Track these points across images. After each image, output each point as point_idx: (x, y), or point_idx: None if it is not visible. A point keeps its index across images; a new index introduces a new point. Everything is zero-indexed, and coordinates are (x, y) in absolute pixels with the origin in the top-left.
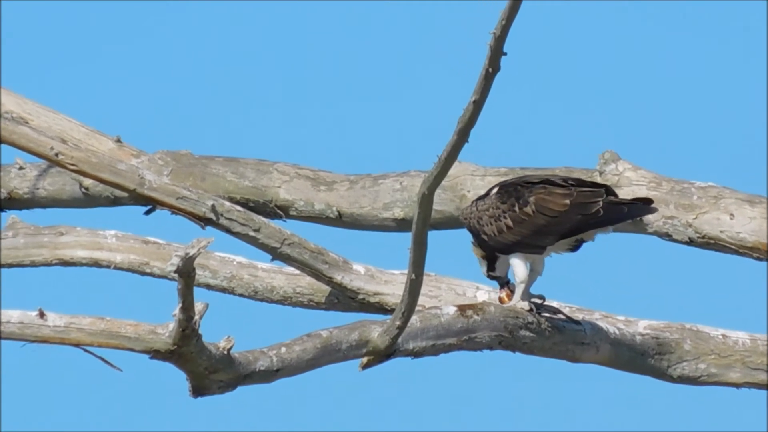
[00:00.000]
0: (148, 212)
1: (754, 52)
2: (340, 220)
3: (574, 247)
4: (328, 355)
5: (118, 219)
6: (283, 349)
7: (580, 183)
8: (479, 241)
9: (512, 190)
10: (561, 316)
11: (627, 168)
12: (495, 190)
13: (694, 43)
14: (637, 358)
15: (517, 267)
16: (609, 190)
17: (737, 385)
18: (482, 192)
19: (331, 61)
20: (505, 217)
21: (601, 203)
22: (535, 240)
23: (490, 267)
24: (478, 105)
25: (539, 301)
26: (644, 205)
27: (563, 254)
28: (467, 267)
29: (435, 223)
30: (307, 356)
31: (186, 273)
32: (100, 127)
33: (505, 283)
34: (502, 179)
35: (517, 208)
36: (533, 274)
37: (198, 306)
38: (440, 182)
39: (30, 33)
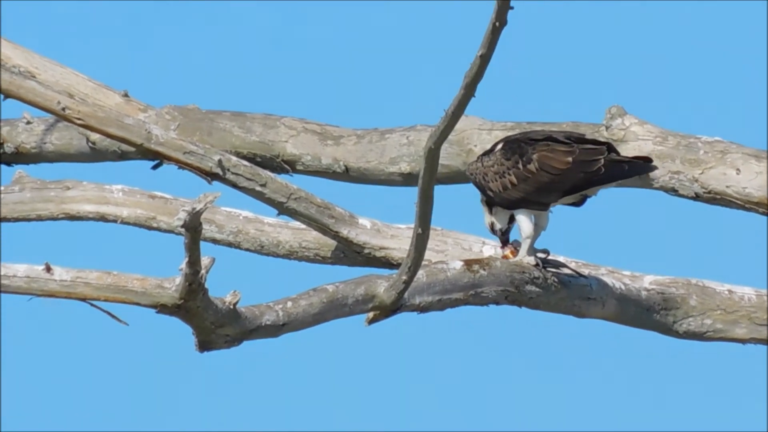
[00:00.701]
0: (155, 167)
1: (761, 5)
2: (346, 175)
3: (579, 202)
4: (334, 309)
5: (125, 174)
6: (289, 304)
7: (583, 140)
8: (486, 196)
9: (516, 147)
10: (567, 270)
11: (633, 123)
12: (500, 146)
13: None
14: (643, 313)
15: (523, 223)
16: (611, 147)
17: (743, 341)
18: (488, 146)
19: (339, 16)
20: (509, 174)
21: (602, 161)
22: (538, 197)
23: (496, 220)
24: (484, 59)
25: (544, 255)
26: (644, 163)
27: (569, 207)
28: (474, 222)
29: (441, 177)
30: (313, 311)
31: (192, 228)
32: (107, 82)
33: (506, 240)
34: (509, 134)
35: (521, 165)
36: (537, 229)
37: (204, 260)
38: (447, 137)
39: None
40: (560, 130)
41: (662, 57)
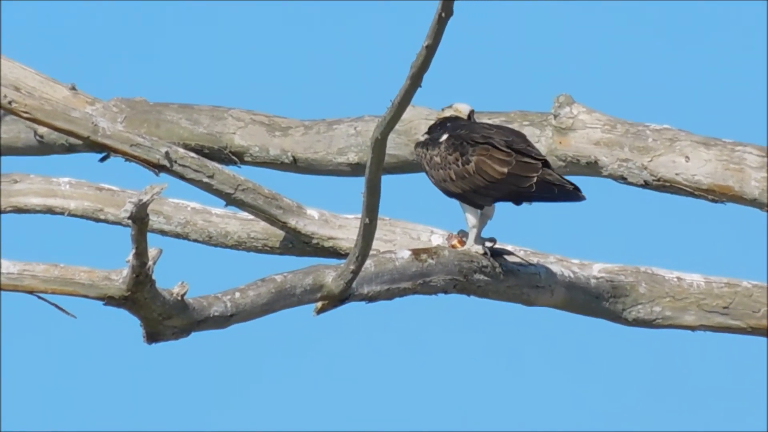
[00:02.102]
0: (102, 159)
1: None
2: (294, 166)
3: (516, 203)
4: (283, 299)
5: (72, 166)
6: (237, 294)
7: (522, 152)
8: (429, 178)
9: (459, 144)
10: (515, 259)
11: (581, 111)
12: (444, 138)
13: None
14: (592, 301)
15: (469, 213)
16: (546, 164)
17: (692, 328)
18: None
19: (285, 7)
20: (449, 168)
21: (535, 179)
22: (473, 197)
23: None
24: (431, 49)
25: (491, 244)
26: (573, 191)
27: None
28: (422, 211)
29: (389, 167)
30: (262, 301)
31: (139, 219)
32: (54, 75)
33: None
34: None
35: (460, 164)
36: (484, 218)
37: (152, 252)
38: (394, 127)
39: None
40: (503, 126)
41: (610, 45)
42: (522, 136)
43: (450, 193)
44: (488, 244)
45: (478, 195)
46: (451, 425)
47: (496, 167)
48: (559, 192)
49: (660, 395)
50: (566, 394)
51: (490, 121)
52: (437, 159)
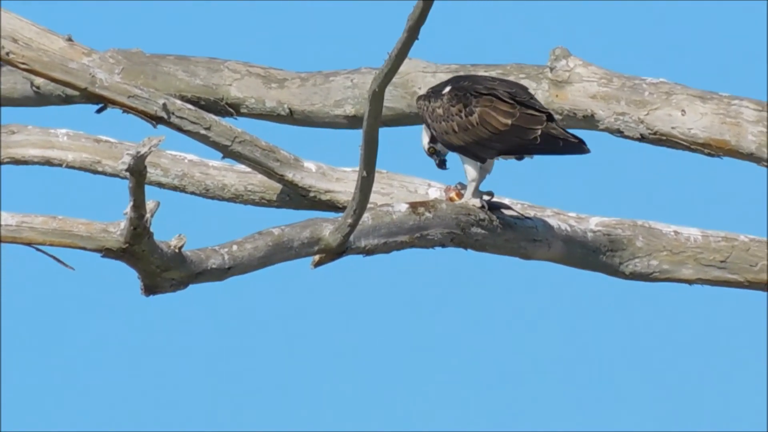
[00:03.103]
0: (99, 111)
1: None
2: (291, 118)
3: (519, 157)
4: (280, 252)
5: (69, 118)
6: (235, 247)
7: (526, 104)
8: (430, 130)
9: (462, 95)
10: (512, 212)
11: (578, 64)
12: (447, 90)
13: None
14: (589, 254)
15: (468, 165)
16: (550, 117)
17: (689, 282)
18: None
19: None
20: (452, 120)
21: (539, 131)
22: (476, 149)
23: (433, 140)
24: (427, 2)
25: (488, 197)
26: (578, 144)
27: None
28: (419, 164)
29: (386, 120)
30: (259, 254)
31: (137, 171)
32: (51, 26)
33: (442, 160)
34: (453, 75)
35: (463, 115)
36: (483, 172)
37: (149, 204)
38: (391, 79)
39: None
40: (506, 78)
41: None
42: (525, 89)
43: (452, 146)
44: (486, 197)
45: (481, 147)
46: (445, 383)
47: (500, 118)
48: (564, 145)
49: (657, 349)
50: (564, 348)
51: (486, 74)
52: (440, 111)
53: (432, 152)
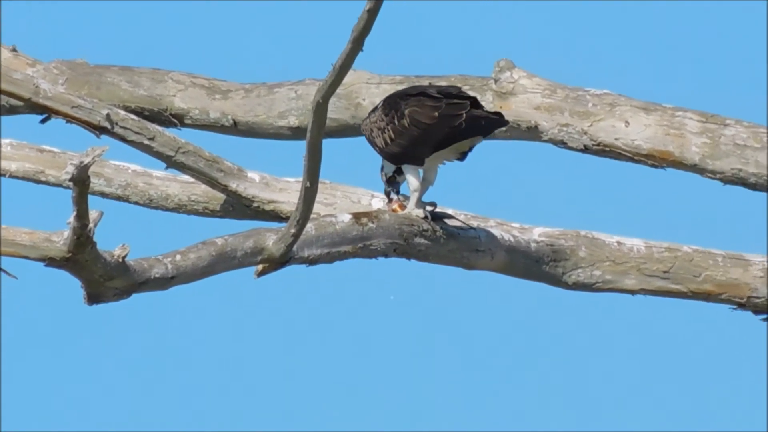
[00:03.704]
0: (43, 121)
1: None
2: (235, 129)
3: (461, 156)
4: (223, 262)
5: (13, 128)
6: (178, 257)
7: (452, 95)
8: (377, 152)
9: (393, 103)
10: (456, 222)
11: (522, 76)
12: (380, 103)
13: None
14: (532, 265)
15: (410, 176)
16: (475, 103)
17: (632, 292)
18: (377, 101)
19: None
20: (388, 130)
21: (464, 116)
22: (412, 151)
23: (397, 172)
24: (372, 13)
25: (431, 208)
26: (499, 118)
27: (453, 162)
28: (363, 175)
29: (330, 131)
30: (202, 263)
31: (81, 181)
32: None
33: (390, 192)
34: (397, 87)
35: (396, 120)
36: (425, 183)
37: (92, 214)
38: (335, 90)
39: None
40: (447, 84)
41: (551, 9)
42: (458, 89)
43: (393, 157)
44: (429, 208)
45: (417, 147)
46: (386, 390)
47: (428, 113)
48: (486, 122)
49: (600, 359)
50: (505, 359)
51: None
52: (377, 125)
53: (391, 181)
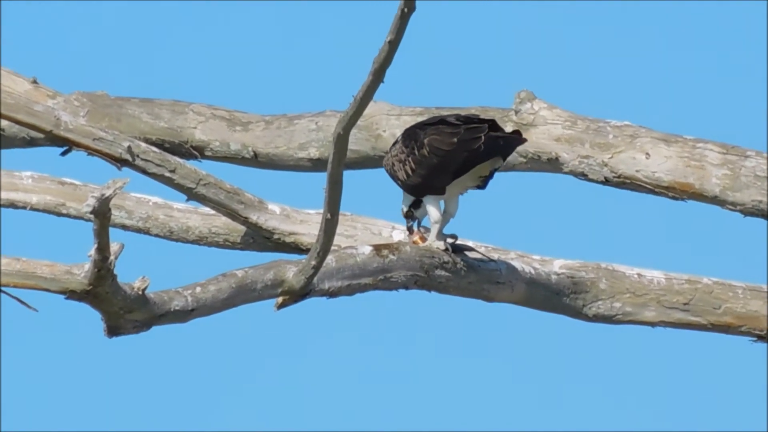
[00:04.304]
0: (64, 153)
1: None
2: (255, 161)
3: (482, 183)
4: (243, 294)
5: (34, 160)
6: (198, 289)
7: (471, 120)
8: (399, 185)
9: (412, 134)
10: (476, 254)
11: (542, 107)
12: (399, 135)
13: None
14: (553, 297)
15: (431, 208)
16: (494, 125)
17: (652, 324)
18: (397, 132)
19: (246, 3)
20: (409, 161)
21: (483, 138)
22: (433, 180)
23: (415, 205)
24: (393, 45)
25: (452, 240)
26: (516, 137)
27: (480, 191)
28: (383, 207)
29: (350, 162)
30: (222, 296)
31: (101, 214)
32: (15, 68)
33: (411, 226)
34: (418, 119)
35: (416, 151)
36: (446, 215)
37: (113, 246)
38: (355, 122)
39: None
40: (455, 114)
41: (572, 42)
42: (477, 115)
43: (414, 189)
44: (450, 240)
45: (437, 176)
46: (408, 423)
47: (446, 139)
48: (505, 142)
49: (619, 391)
50: (525, 391)
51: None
52: (398, 158)
53: (409, 215)
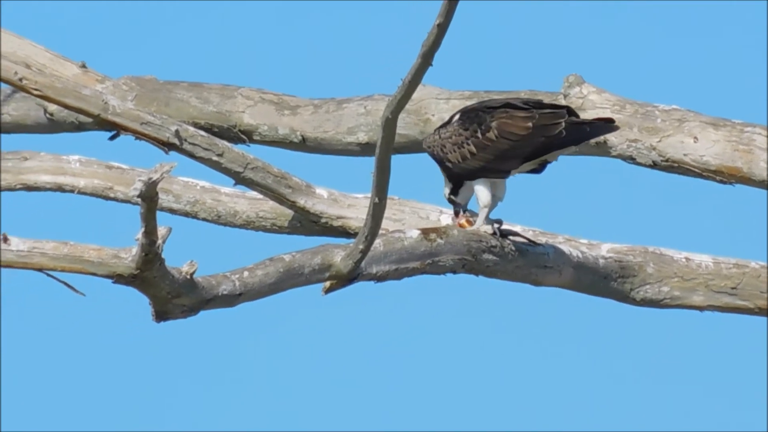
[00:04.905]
0: (112, 137)
1: None
2: (303, 145)
3: (539, 168)
4: (291, 279)
5: (82, 144)
6: (246, 273)
7: (541, 105)
8: (443, 168)
9: (474, 116)
10: (523, 239)
11: (591, 91)
12: (457, 117)
13: None
14: (600, 281)
15: (481, 192)
16: (570, 111)
17: (700, 308)
18: (446, 116)
19: None
20: (468, 144)
21: (563, 124)
22: (499, 165)
23: (454, 191)
24: (442, 28)
25: (498, 225)
26: (606, 124)
27: (527, 176)
28: (431, 191)
29: (399, 147)
30: (270, 280)
31: (149, 197)
32: (64, 53)
33: (459, 210)
34: (466, 103)
35: (479, 134)
36: (494, 199)
37: (161, 230)
38: (404, 106)
39: None
40: (516, 98)
41: (620, 25)
42: (540, 100)
43: (470, 172)
44: (496, 225)
45: (504, 160)
46: (457, 408)
47: (520, 124)
48: (592, 130)
49: (667, 376)
50: (574, 375)
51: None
52: (451, 140)
53: (452, 200)
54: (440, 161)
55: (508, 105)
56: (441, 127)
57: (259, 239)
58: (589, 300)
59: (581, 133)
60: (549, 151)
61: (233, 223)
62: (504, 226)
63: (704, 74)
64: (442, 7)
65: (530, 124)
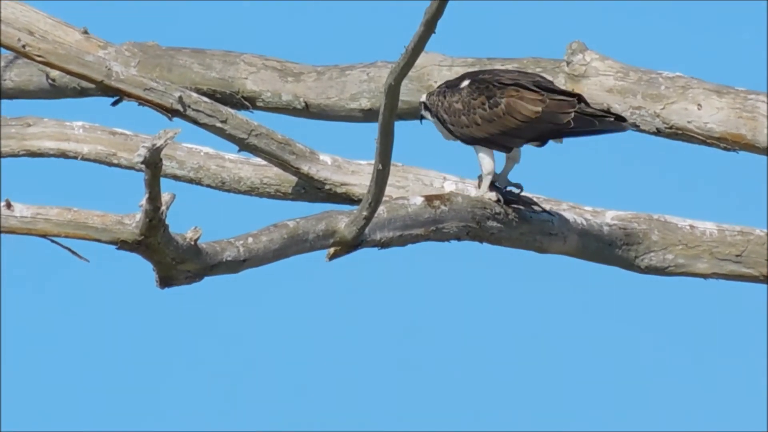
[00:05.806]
0: (115, 103)
1: None
2: (307, 111)
3: (541, 143)
4: (295, 245)
5: (85, 110)
6: (250, 240)
7: (552, 90)
8: (444, 128)
9: (484, 87)
10: (536, 208)
11: (594, 58)
12: (466, 83)
13: None
14: (605, 248)
15: (483, 159)
16: (581, 99)
17: (705, 276)
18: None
19: None
20: (474, 113)
21: (573, 115)
22: (502, 140)
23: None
24: None
25: (517, 190)
26: (615, 120)
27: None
28: (434, 157)
29: (401, 113)
30: (274, 246)
31: (153, 164)
32: (66, 19)
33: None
34: (469, 69)
35: (488, 107)
36: (510, 162)
37: (165, 196)
38: (407, 73)
39: None
40: (523, 70)
41: None
42: (544, 78)
43: (473, 139)
44: (514, 189)
45: (508, 137)
46: (460, 375)
47: (529, 107)
48: (601, 125)
49: (672, 343)
50: (577, 342)
51: (503, 67)
52: (458, 105)
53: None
54: (442, 121)
55: (518, 83)
56: (447, 87)
57: (264, 205)
58: (594, 267)
59: (588, 126)
60: (554, 137)
61: (237, 190)
62: (522, 194)
63: (709, 41)
64: None
65: (539, 109)
